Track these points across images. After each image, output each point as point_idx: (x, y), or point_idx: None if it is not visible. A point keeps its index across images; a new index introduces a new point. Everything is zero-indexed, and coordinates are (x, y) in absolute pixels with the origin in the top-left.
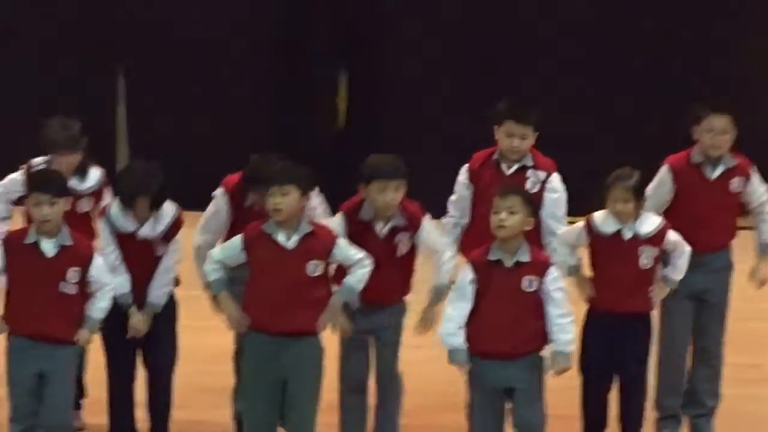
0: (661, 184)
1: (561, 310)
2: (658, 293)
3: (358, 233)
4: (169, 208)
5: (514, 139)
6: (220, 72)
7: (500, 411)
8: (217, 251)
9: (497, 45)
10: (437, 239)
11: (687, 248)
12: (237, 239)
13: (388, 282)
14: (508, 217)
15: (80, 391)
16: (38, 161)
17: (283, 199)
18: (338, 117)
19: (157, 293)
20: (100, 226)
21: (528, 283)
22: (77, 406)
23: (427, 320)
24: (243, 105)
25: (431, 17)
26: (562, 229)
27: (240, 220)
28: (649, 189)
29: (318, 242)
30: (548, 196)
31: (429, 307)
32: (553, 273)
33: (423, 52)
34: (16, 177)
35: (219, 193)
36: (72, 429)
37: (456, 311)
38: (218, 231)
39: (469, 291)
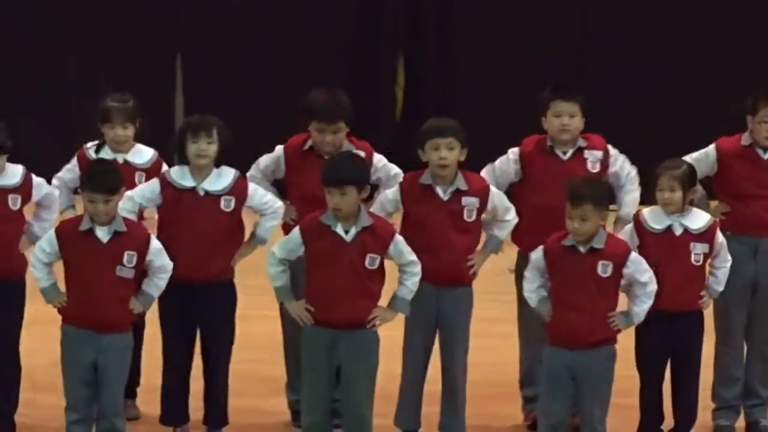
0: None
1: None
2: (705, 303)
3: (420, 197)
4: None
5: (564, 117)
6: (280, 58)
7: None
8: (278, 248)
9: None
10: (505, 201)
11: (729, 258)
12: (295, 232)
13: (457, 252)
14: (581, 224)
15: (136, 380)
16: (90, 145)
17: (342, 199)
18: (396, 106)
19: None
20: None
21: (602, 268)
22: (132, 395)
23: (479, 264)
24: (300, 92)
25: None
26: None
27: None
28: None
29: (377, 236)
30: (615, 163)
31: (484, 255)
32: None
33: (485, 43)
34: (73, 167)
35: (278, 148)
36: (124, 418)
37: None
38: (267, 174)
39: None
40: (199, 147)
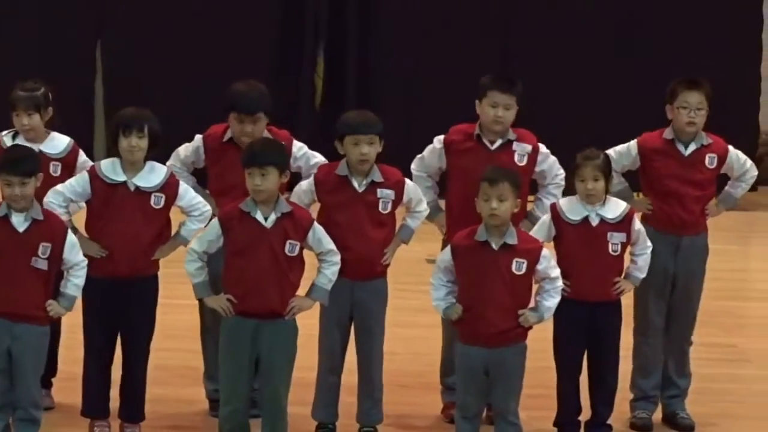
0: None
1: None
2: (623, 290)
3: (335, 188)
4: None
5: (499, 109)
6: (202, 46)
7: None
8: (196, 243)
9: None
10: (419, 193)
11: (649, 244)
12: (214, 223)
13: (372, 245)
14: (499, 205)
15: (52, 370)
16: (5, 133)
17: (263, 180)
18: (316, 95)
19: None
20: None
21: (517, 265)
22: (48, 385)
23: (391, 254)
24: (222, 81)
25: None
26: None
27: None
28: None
29: (296, 223)
30: (544, 162)
31: (395, 244)
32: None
33: (407, 32)
34: None
35: (197, 138)
36: (41, 407)
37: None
38: (187, 164)
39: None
40: (130, 143)
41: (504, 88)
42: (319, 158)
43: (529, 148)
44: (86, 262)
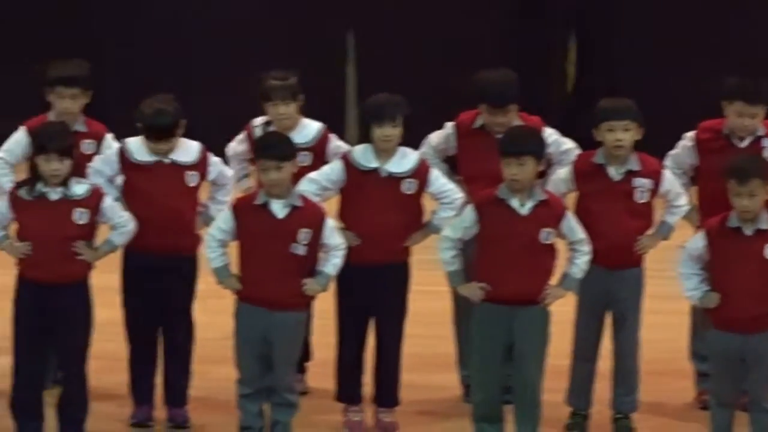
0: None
1: None
2: None
3: (591, 177)
4: None
5: (745, 119)
6: (453, 31)
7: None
8: (451, 230)
9: None
10: (678, 186)
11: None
12: (469, 210)
13: (627, 235)
14: (750, 201)
15: (306, 355)
16: (258, 122)
17: (520, 170)
18: (567, 82)
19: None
20: None
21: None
22: (302, 370)
23: (647, 246)
24: (475, 65)
25: None
26: None
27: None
28: None
29: (551, 210)
30: None
31: (653, 239)
32: None
33: (655, 20)
34: (243, 139)
35: (448, 125)
36: (297, 392)
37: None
38: (439, 152)
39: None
40: (384, 132)
41: (750, 98)
42: (569, 144)
43: None
44: (345, 244)
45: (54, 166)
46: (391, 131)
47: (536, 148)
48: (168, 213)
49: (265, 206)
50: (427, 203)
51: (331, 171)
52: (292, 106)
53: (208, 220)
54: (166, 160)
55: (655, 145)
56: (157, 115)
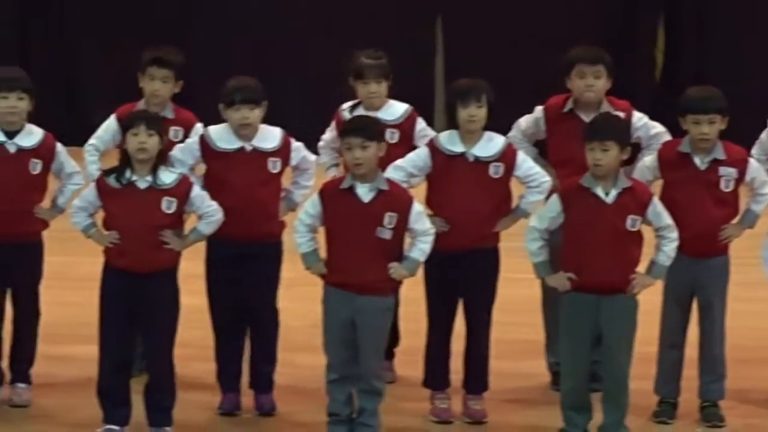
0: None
1: None
2: None
3: (677, 165)
4: None
5: None
6: (540, 18)
7: None
8: (537, 221)
9: None
10: (764, 174)
11: None
12: (554, 199)
13: (712, 224)
14: None
15: (394, 341)
16: (345, 106)
17: (604, 155)
18: (655, 70)
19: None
20: None
21: None
22: (390, 356)
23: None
24: (562, 52)
25: None
26: None
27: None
28: None
29: (636, 197)
30: None
31: (739, 228)
32: None
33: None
34: (333, 128)
35: (538, 109)
36: (383, 379)
37: None
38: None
39: None
40: (469, 113)
41: None
42: (659, 128)
43: None
44: (434, 229)
45: (141, 138)
46: (476, 111)
47: (620, 134)
48: (251, 200)
49: (350, 190)
50: (516, 188)
51: (417, 157)
52: (384, 85)
53: (293, 206)
54: (248, 147)
55: (741, 135)
56: (241, 81)
